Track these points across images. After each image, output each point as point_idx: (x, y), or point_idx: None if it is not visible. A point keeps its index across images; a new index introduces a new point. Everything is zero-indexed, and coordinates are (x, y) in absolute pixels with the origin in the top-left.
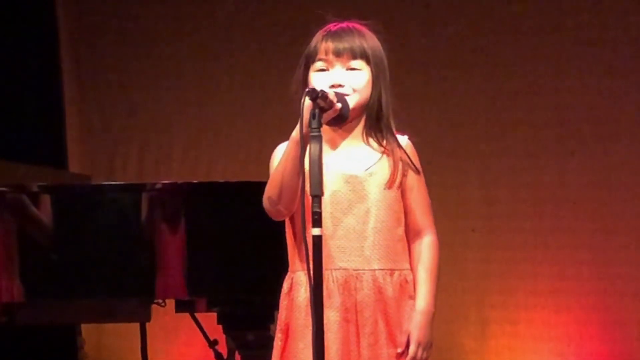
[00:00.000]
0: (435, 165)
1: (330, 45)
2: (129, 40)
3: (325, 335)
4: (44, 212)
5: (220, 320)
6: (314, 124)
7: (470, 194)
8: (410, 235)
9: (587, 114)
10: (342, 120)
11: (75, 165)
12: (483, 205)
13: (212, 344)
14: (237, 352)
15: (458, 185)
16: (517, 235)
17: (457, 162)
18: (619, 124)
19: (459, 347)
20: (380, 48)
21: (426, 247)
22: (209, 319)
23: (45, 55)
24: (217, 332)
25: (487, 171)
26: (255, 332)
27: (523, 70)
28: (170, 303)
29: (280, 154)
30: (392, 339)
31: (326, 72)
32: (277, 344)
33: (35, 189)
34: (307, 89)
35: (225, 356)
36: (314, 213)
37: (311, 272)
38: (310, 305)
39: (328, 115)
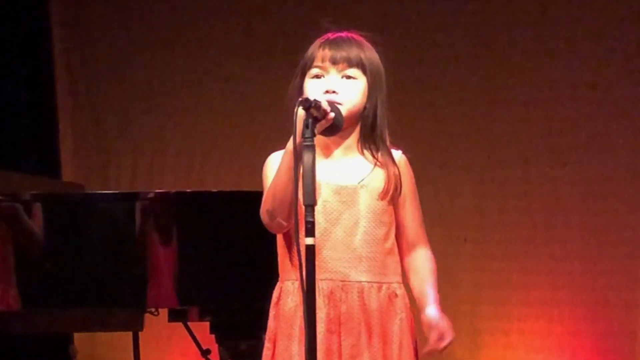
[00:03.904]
0: (428, 175)
1: (328, 52)
2: (122, 49)
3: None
4: (37, 220)
5: (213, 330)
6: (307, 134)
7: (463, 204)
8: (404, 248)
9: (580, 125)
10: (336, 129)
11: (68, 174)
12: (475, 215)
13: (205, 353)
14: None
15: (451, 195)
16: (509, 246)
17: (449, 172)
18: (612, 134)
19: (451, 358)
20: (378, 60)
21: (426, 259)
22: (202, 328)
23: (39, 65)
24: (210, 341)
25: (480, 181)
26: (248, 342)
27: (516, 81)
28: (163, 312)
29: (273, 163)
30: (374, 353)
31: (321, 79)
32: (266, 353)
33: (27, 197)
34: (300, 99)
35: None
36: (307, 222)
37: (304, 282)
38: (304, 315)
39: (322, 125)
